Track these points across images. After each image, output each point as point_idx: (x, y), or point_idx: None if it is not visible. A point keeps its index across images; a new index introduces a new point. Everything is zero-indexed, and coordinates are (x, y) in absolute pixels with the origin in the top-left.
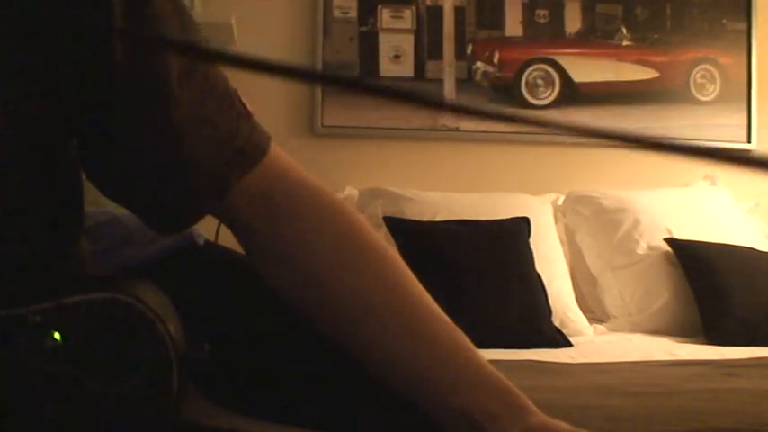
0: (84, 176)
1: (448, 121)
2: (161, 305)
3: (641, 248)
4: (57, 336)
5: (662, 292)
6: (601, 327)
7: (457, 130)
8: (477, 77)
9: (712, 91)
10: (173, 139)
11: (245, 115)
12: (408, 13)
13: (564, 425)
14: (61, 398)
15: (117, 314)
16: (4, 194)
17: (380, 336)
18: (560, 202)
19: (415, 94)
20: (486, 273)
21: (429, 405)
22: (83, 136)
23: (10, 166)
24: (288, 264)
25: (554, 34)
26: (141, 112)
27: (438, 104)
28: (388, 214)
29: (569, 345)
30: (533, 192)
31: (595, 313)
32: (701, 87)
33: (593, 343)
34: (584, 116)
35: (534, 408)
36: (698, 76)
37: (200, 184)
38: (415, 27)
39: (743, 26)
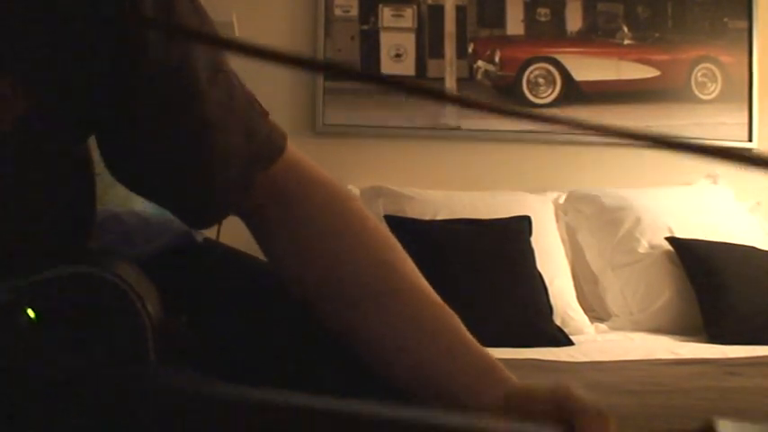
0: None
1: (449, 119)
2: (136, 279)
3: (642, 247)
4: (30, 313)
5: (663, 291)
6: (602, 325)
7: (458, 128)
8: (479, 76)
9: (713, 89)
10: (203, 136)
11: (263, 114)
12: (409, 12)
13: (543, 385)
14: (36, 374)
15: (90, 288)
16: (15, 194)
17: (371, 315)
18: (561, 201)
19: (419, 86)
20: (487, 271)
21: (408, 380)
22: (110, 136)
23: (22, 165)
24: (294, 242)
25: (555, 33)
26: (173, 108)
27: (442, 96)
28: (390, 213)
29: (570, 343)
30: (534, 190)
31: (597, 312)
32: (702, 86)
33: (595, 342)
34: (585, 115)
35: (512, 379)
36: (699, 74)
37: (228, 179)
38: (416, 26)
39: (744, 25)
